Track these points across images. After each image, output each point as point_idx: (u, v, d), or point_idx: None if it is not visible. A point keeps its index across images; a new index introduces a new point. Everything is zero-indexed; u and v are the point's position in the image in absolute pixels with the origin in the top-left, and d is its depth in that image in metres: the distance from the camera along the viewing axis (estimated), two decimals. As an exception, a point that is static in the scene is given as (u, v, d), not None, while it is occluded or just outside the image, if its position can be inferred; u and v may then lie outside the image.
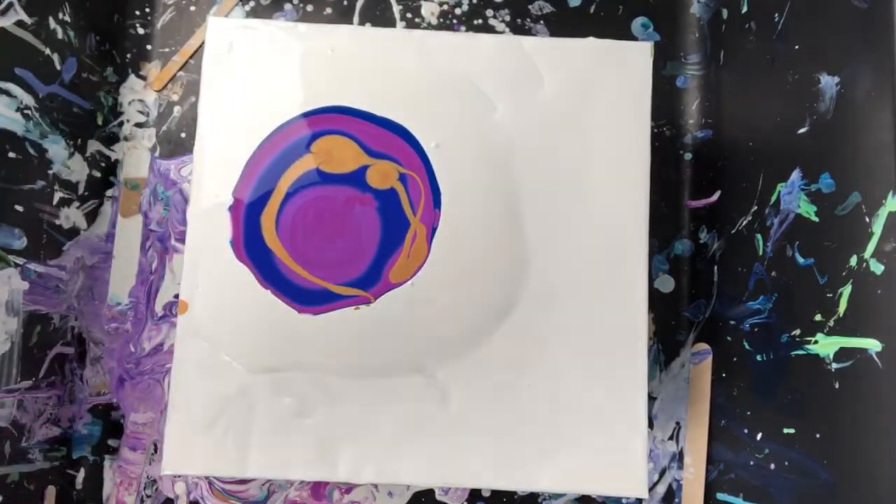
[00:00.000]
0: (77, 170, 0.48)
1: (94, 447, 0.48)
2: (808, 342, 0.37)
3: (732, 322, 0.45)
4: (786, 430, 0.38)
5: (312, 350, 0.43)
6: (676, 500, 0.47)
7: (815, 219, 0.36)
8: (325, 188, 0.44)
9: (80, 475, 0.48)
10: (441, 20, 0.51)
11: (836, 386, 0.34)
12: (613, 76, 0.45)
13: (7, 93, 0.41)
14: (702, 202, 0.50)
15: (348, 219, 0.44)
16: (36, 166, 0.44)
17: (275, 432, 0.42)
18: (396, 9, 0.51)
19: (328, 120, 0.46)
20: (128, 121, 0.51)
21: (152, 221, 0.50)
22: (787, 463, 0.38)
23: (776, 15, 0.41)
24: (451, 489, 0.48)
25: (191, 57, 0.51)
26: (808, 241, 0.37)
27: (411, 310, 0.44)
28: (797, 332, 0.38)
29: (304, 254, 0.44)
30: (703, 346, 0.48)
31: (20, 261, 0.43)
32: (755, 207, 0.43)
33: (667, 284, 0.50)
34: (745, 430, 0.42)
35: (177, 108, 0.51)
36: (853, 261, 0.33)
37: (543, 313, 0.42)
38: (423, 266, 0.44)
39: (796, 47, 0.39)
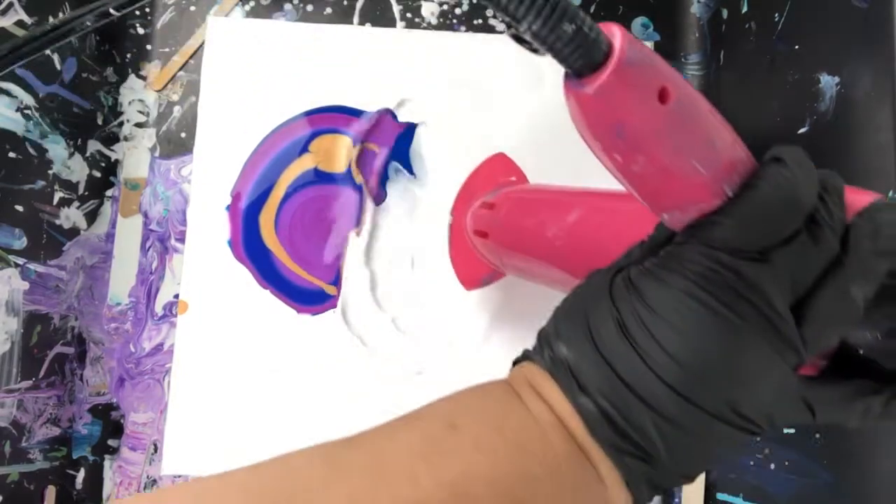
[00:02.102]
0: (77, 170, 0.48)
1: (94, 447, 0.48)
2: (808, 342, 0.36)
3: (732, 322, 0.45)
4: (786, 430, 0.38)
5: (312, 350, 0.43)
6: (676, 500, 0.47)
7: (815, 219, 0.36)
8: (323, 188, 0.44)
9: (80, 475, 0.48)
10: (441, 20, 0.51)
11: (836, 386, 0.34)
12: (613, 76, 0.45)
13: (7, 93, 0.41)
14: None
15: (344, 218, 0.44)
16: (36, 166, 0.44)
17: (275, 432, 0.42)
18: (396, 9, 0.51)
19: (327, 119, 0.46)
20: (128, 121, 0.51)
21: (152, 221, 0.50)
22: (787, 463, 0.38)
23: (776, 15, 0.41)
24: (451, 489, 0.48)
25: (191, 57, 0.51)
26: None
27: (409, 310, 0.44)
28: (797, 332, 0.38)
29: (303, 254, 0.44)
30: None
31: (20, 261, 0.43)
32: (755, 207, 0.43)
33: (667, 284, 0.50)
34: (745, 430, 0.42)
35: (177, 108, 0.51)
36: (853, 261, 0.33)
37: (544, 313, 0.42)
38: (422, 266, 0.44)
39: (796, 47, 0.39)
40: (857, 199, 0.21)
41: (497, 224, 0.35)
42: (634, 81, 0.18)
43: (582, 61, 0.18)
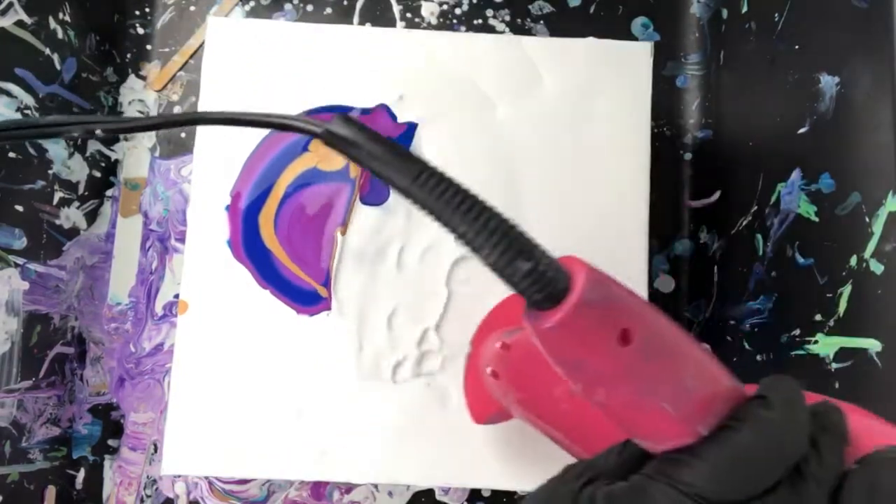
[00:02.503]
0: (77, 170, 0.48)
1: (94, 447, 0.48)
2: (808, 342, 0.37)
3: (732, 322, 0.45)
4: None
5: (312, 350, 0.43)
6: None
7: (815, 219, 0.36)
8: (322, 186, 0.44)
9: (80, 475, 0.48)
10: (441, 20, 0.51)
11: (836, 386, 0.34)
12: (613, 76, 0.45)
13: (7, 93, 0.41)
14: (702, 202, 0.50)
15: (336, 217, 0.44)
16: (36, 166, 0.44)
17: (275, 432, 0.42)
18: (396, 9, 0.51)
19: (328, 119, 0.46)
20: (128, 121, 0.51)
21: (152, 221, 0.50)
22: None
23: (776, 15, 0.41)
24: (451, 489, 0.48)
25: (191, 57, 0.51)
26: (808, 241, 0.37)
27: (401, 313, 0.44)
28: (797, 332, 0.38)
29: (301, 254, 0.44)
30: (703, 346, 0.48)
31: (20, 261, 0.43)
32: (755, 207, 0.43)
33: (667, 284, 0.50)
34: (745, 431, 0.42)
35: (177, 108, 0.51)
36: (853, 261, 0.33)
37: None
38: (422, 266, 0.44)
39: (796, 47, 0.39)
40: (869, 435, 0.19)
41: (509, 367, 0.34)
42: (592, 322, 0.18)
43: (538, 297, 0.18)
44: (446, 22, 0.51)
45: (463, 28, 0.51)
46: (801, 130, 0.38)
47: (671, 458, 0.19)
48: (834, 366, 0.34)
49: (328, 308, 0.43)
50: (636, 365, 0.18)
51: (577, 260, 0.18)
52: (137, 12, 0.52)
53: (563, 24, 0.51)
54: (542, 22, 0.51)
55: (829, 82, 0.35)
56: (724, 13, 0.50)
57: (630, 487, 0.19)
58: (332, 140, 0.18)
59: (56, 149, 0.46)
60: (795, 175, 0.38)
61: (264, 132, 0.45)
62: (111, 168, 0.50)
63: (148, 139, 0.51)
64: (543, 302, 0.18)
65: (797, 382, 0.19)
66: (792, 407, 0.19)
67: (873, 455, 0.19)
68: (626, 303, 0.18)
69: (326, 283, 0.43)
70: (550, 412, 0.32)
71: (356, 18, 0.51)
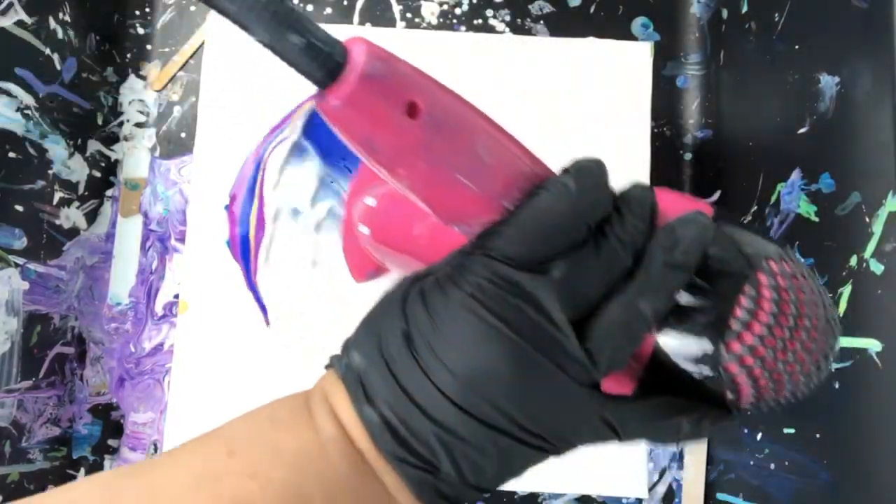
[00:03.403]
0: (77, 170, 0.48)
1: (94, 447, 0.48)
2: (808, 342, 0.36)
3: (732, 322, 0.45)
4: (786, 430, 0.38)
5: (310, 350, 0.43)
6: (676, 500, 0.47)
7: (815, 219, 0.36)
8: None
9: (80, 475, 0.48)
10: (441, 20, 0.51)
11: (836, 386, 0.34)
12: (613, 76, 0.45)
13: (7, 93, 0.41)
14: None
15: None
16: (36, 166, 0.44)
17: (275, 432, 0.42)
18: (396, 9, 0.51)
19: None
20: (128, 121, 0.51)
21: (152, 221, 0.50)
22: (787, 463, 0.38)
23: (776, 15, 0.41)
24: (451, 489, 0.48)
25: (191, 57, 0.51)
26: (808, 241, 0.37)
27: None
28: (797, 332, 0.38)
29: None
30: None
31: (20, 261, 0.43)
32: (755, 207, 0.43)
33: (667, 284, 0.50)
34: (745, 430, 0.42)
35: (177, 108, 0.51)
36: (853, 261, 0.33)
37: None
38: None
39: (796, 47, 0.39)
40: (679, 209, 0.21)
41: (376, 221, 0.35)
42: (377, 95, 0.18)
43: (319, 74, 0.18)
44: (446, 22, 0.51)
45: (463, 28, 0.51)
46: (801, 130, 0.38)
47: (484, 233, 0.20)
48: (834, 366, 0.34)
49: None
50: (426, 137, 0.18)
51: (359, 38, 0.18)
52: (137, 12, 0.52)
53: (563, 24, 0.51)
54: (542, 22, 0.51)
55: (829, 82, 0.35)
56: (724, 13, 0.50)
57: (450, 266, 0.20)
58: None
59: (56, 149, 0.46)
60: (795, 175, 0.38)
61: (264, 132, 0.45)
62: (111, 168, 0.50)
63: (148, 139, 0.51)
64: (326, 79, 0.18)
65: (601, 161, 0.21)
66: (587, 173, 0.20)
67: (678, 218, 0.20)
68: (410, 77, 0.19)
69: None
70: (415, 252, 0.34)
71: (356, 18, 0.51)
